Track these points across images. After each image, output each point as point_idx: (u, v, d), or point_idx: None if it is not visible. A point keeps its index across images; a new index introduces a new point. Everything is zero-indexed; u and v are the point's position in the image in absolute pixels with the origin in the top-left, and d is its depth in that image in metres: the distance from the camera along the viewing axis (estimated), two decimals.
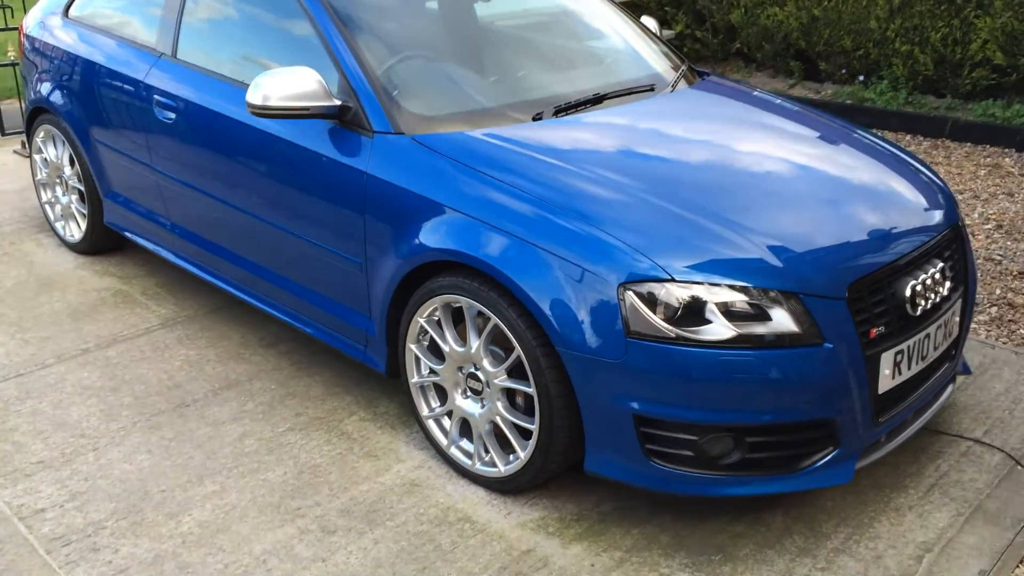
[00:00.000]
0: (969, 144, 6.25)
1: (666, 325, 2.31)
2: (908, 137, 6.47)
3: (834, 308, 2.37)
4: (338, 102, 2.87)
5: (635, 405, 2.36)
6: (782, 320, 2.33)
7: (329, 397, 3.26)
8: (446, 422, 2.86)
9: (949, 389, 2.94)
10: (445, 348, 2.73)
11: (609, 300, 2.34)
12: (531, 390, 2.52)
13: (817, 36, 7.18)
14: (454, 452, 2.82)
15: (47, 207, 4.55)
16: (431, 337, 2.80)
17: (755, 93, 3.57)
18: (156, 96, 3.55)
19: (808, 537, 2.58)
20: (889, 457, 2.86)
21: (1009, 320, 3.87)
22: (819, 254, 2.46)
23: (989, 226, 4.86)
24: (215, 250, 3.55)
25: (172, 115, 3.48)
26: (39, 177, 4.53)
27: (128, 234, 4.08)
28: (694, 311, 2.33)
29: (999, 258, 4.46)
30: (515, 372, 2.60)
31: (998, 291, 4.12)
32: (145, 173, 3.74)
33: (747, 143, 2.98)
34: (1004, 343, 3.68)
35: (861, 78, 7.02)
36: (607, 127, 2.96)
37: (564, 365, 2.43)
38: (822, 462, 2.45)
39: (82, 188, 4.23)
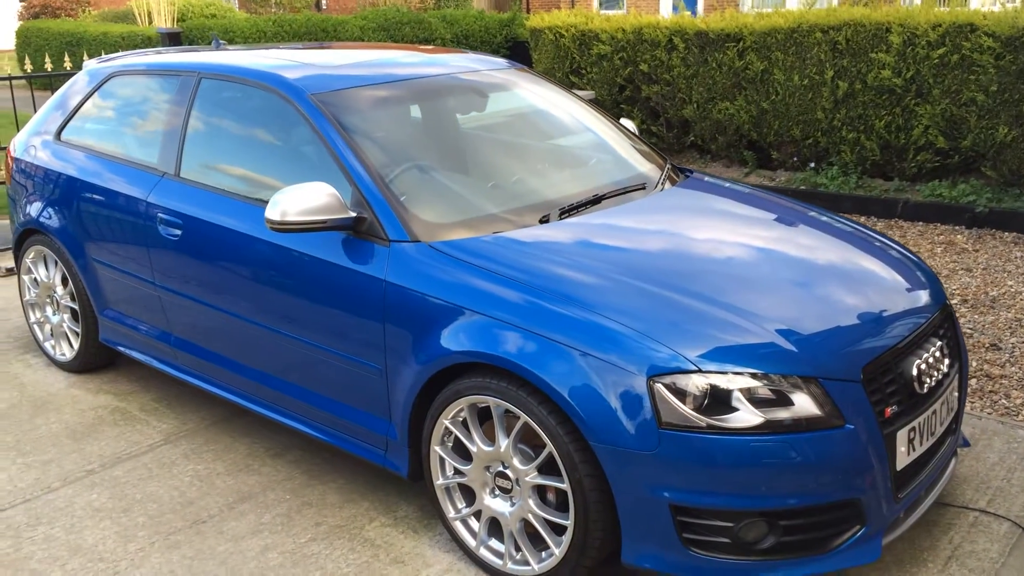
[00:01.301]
0: (921, 223, 6.57)
1: (696, 415, 2.40)
2: (863, 219, 6.77)
3: (851, 390, 2.49)
4: (353, 214, 2.97)
5: (671, 495, 2.42)
6: (804, 404, 2.44)
7: (346, 504, 3.25)
8: (474, 522, 2.88)
9: (953, 463, 3.06)
10: (472, 448, 2.78)
11: (639, 393, 2.43)
12: (564, 485, 2.57)
13: (767, 127, 7.55)
14: (484, 553, 2.83)
15: (35, 327, 4.52)
16: (455, 438, 2.84)
17: (739, 188, 3.76)
18: (160, 214, 3.61)
19: None
20: (904, 533, 2.95)
21: (990, 391, 4.04)
22: (830, 339, 2.59)
23: (955, 301, 5.09)
24: (221, 362, 3.57)
25: (178, 232, 3.54)
26: (27, 298, 4.51)
27: (124, 350, 4.07)
28: (720, 400, 2.42)
29: (969, 332, 4.67)
30: (545, 468, 2.65)
31: (974, 363, 4.30)
32: (146, 289, 3.77)
33: (742, 236, 3.13)
34: (989, 414, 3.83)
35: (812, 165, 7.37)
36: (612, 227, 3.09)
37: (598, 459, 2.49)
38: (851, 541, 2.52)
39: (75, 307, 4.22)
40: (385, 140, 3.30)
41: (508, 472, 2.73)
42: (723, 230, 3.18)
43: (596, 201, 3.26)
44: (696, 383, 2.42)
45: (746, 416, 2.40)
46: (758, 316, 2.60)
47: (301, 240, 3.11)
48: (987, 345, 4.50)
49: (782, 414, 2.42)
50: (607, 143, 3.84)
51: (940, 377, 2.80)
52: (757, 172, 7.78)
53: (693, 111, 7.93)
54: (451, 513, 2.90)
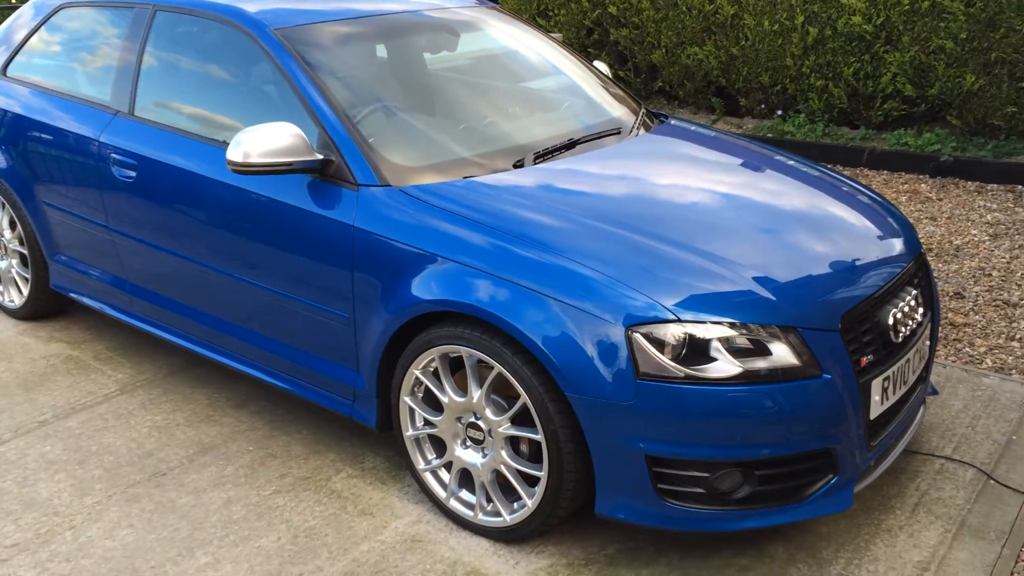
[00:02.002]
0: (886, 172, 6.57)
1: (675, 365, 2.35)
2: (828, 167, 6.75)
3: (829, 340, 2.46)
4: (320, 156, 2.85)
5: (646, 446, 2.38)
6: (782, 354, 2.40)
7: (312, 455, 3.18)
8: (444, 474, 2.82)
9: (922, 411, 3.07)
10: (443, 399, 2.71)
11: (617, 343, 2.37)
12: (538, 437, 2.52)
13: (736, 74, 7.46)
14: (454, 504, 2.79)
15: None
16: (426, 388, 2.77)
17: (716, 134, 3.68)
18: (113, 155, 3.44)
19: (811, 565, 2.63)
20: (873, 480, 2.95)
21: (954, 339, 4.06)
22: (809, 287, 2.55)
23: None
24: (179, 309, 3.44)
25: (132, 173, 3.38)
26: None
27: (77, 297, 3.92)
28: (698, 350, 2.37)
29: (934, 281, 4.68)
30: (519, 419, 2.59)
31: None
32: (99, 233, 3.61)
33: (718, 183, 3.07)
34: (953, 362, 3.85)
35: (779, 112, 7.32)
36: (586, 173, 3.00)
37: (573, 410, 2.44)
38: (824, 490, 2.51)
39: (24, 251, 4.05)
40: (352, 79, 3.16)
41: (480, 423, 2.67)
42: (699, 177, 3.11)
43: (571, 146, 3.17)
44: (674, 333, 2.36)
45: (724, 366, 2.36)
46: (736, 264, 2.54)
47: (264, 183, 2.99)
48: (951, 294, 4.52)
49: (760, 364, 2.38)
50: (581, 86, 3.73)
51: (915, 326, 2.78)
52: (724, 119, 7.71)
53: (662, 56, 7.81)
54: (421, 464, 2.84)
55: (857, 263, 2.71)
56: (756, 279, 2.50)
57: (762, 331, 2.40)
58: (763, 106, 7.47)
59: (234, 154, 2.77)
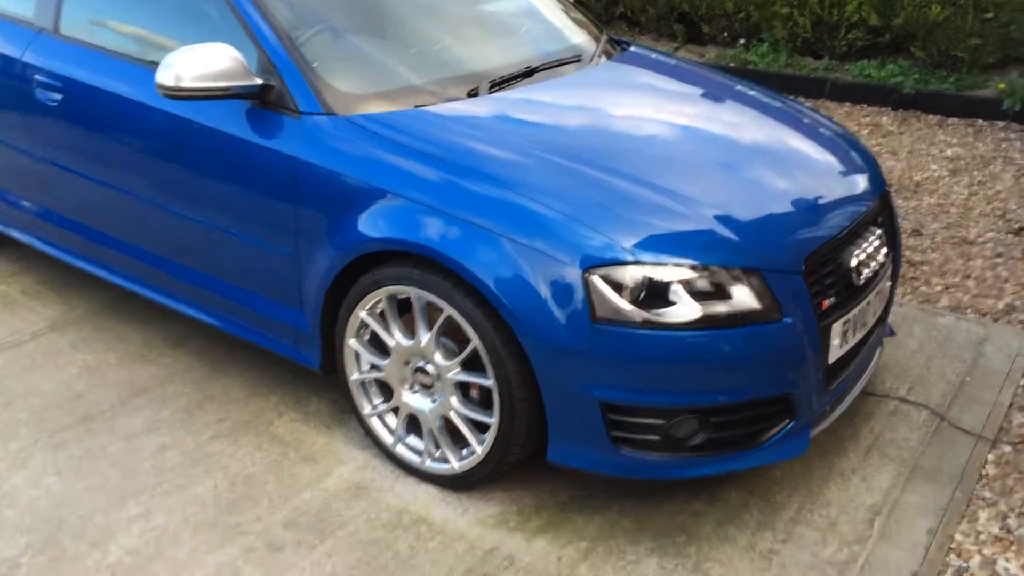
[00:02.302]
0: (848, 104, 6.46)
1: (633, 309, 2.24)
2: (791, 98, 6.62)
3: (792, 282, 2.36)
4: (259, 81, 2.64)
5: (601, 393, 2.28)
6: (743, 297, 2.30)
7: (253, 398, 3.04)
8: (391, 419, 2.71)
9: (878, 352, 3.01)
10: (390, 342, 2.58)
11: (573, 285, 2.25)
12: (489, 382, 2.40)
13: (699, 0, 7.25)
14: (401, 450, 2.68)
15: None
16: (372, 331, 2.64)
17: (681, 64, 3.51)
18: (37, 76, 3.18)
19: (764, 510, 2.58)
20: (829, 424, 2.91)
21: (911, 277, 4.01)
22: (772, 227, 2.44)
23: None
24: (110, 243, 3.24)
25: (58, 96, 3.13)
26: None
27: (3, 228, 3.68)
28: (657, 292, 2.26)
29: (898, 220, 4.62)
30: (469, 364, 2.47)
31: None
32: (24, 161, 3.37)
33: (682, 116, 2.93)
34: (909, 300, 3.81)
35: (743, 41, 7.14)
36: (544, 104, 2.84)
37: (526, 355, 2.32)
38: (780, 435, 2.45)
39: None
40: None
41: (429, 368, 2.55)
42: (659, 108, 2.96)
43: (528, 74, 2.99)
44: (633, 275, 2.25)
45: (683, 310, 2.25)
46: (696, 202, 2.42)
47: (199, 109, 2.77)
48: (909, 231, 4.46)
49: (720, 308, 2.28)
50: (540, 10, 3.52)
51: (877, 268, 2.70)
52: (687, 47, 7.51)
53: None
54: (367, 409, 2.72)
55: (821, 202, 2.61)
56: (718, 218, 2.39)
57: (724, 273, 2.29)
58: (726, 34, 7.29)
59: (165, 77, 2.56)
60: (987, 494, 2.65)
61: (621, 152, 2.60)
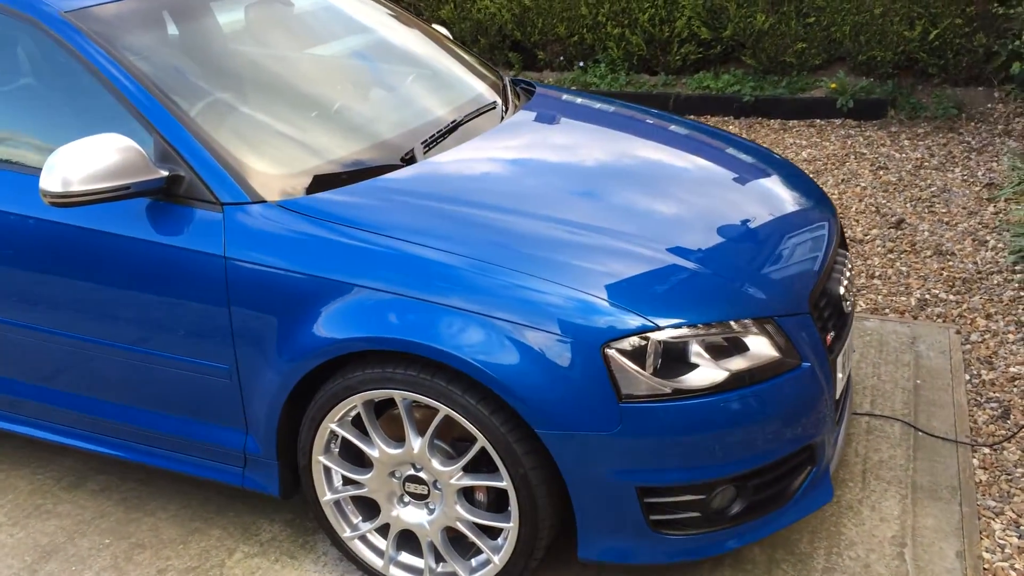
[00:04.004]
0: (693, 116, 6.59)
1: (659, 380, 2.03)
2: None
3: (803, 324, 2.23)
4: (164, 172, 2.23)
5: (637, 477, 2.06)
6: (761, 348, 2.14)
7: (191, 538, 2.59)
8: (377, 539, 2.36)
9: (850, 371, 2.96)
10: (373, 453, 2.24)
11: (591, 364, 2.01)
12: (503, 484, 2.12)
13: (531, 26, 7.20)
14: (395, 572, 2.34)
15: None
16: (343, 441, 2.29)
17: (593, 101, 3.33)
18: None
19: (794, 564, 2.44)
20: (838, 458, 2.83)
21: None
22: (775, 271, 2.31)
23: None
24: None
25: None
26: None
27: None
28: (676, 357, 2.07)
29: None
30: (472, 466, 2.18)
31: None
32: None
33: (640, 161, 2.73)
34: None
35: (581, 64, 7.15)
36: (490, 161, 2.59)
37: (546, 448, 2.06)
38: (806, 484, 2.31)
39: None
40: (184, 67, 2.53)
41: (422, 475, 2.23)
42: (619, 155, 2.76)
43: (452, 129, 2.73)
44: (651, 342, 2.04)
45: (708, 373, 2.07)
46: (693, 254, 2.25)
47: (92, 215, 2.32)
48: None
49: (740, 363, 2.11)
50: (442, 63, 3.25)
51: (853, 290, 2.63)
52: (523, 74, 7.44)
53: (451, 11, 7.39)
54: (346, 532, 2.36)
55: (802, 235, 2.51)
56: (720, 269, 2.22)
57: (740, 326, 2.13)
58: (562, 58, 7.27)
59: (50, 182, 2.11)
60: (991, 503, 2.64)
61: (595, 209, 2.39)
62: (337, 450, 2.30)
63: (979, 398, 3.14)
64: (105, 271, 2.33)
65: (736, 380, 2.08)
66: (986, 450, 2.86)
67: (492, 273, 2.08)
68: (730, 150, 2.97)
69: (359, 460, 2.32)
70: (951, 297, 3.83)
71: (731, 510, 2.18)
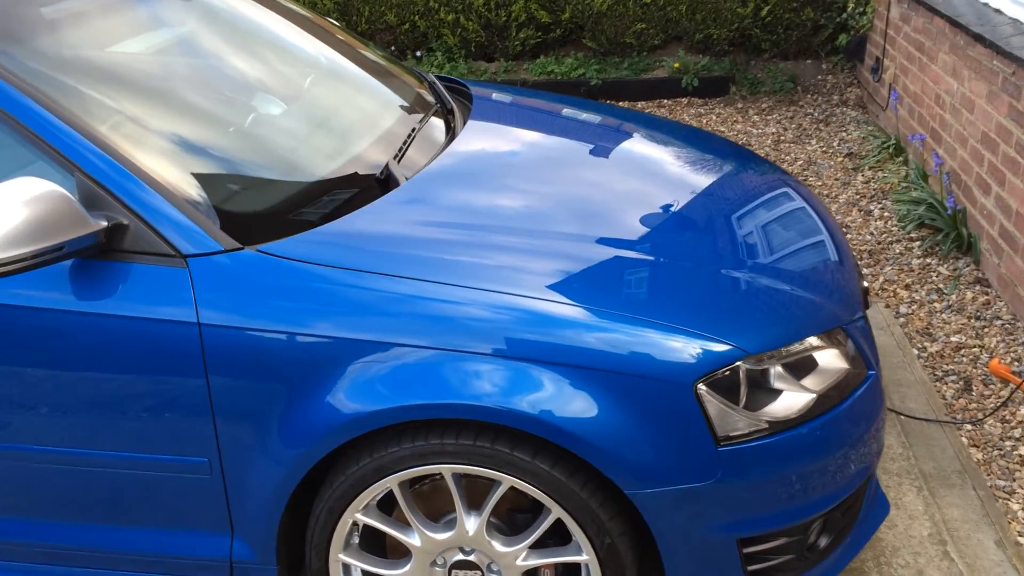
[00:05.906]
0: None
1: (754, 415, 1.78)
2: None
3: (863, 328, 2.06)
4: (103, 223, 1.70)
5: (738, 528, 1.80)
6: (831, 361, 1.95)
7: None
8: None
9: None
10: (411, 541, 1.83)
11: (683, 406, 1.73)
12: (584, 558, 1.79)
13: (357, 15, 6.71)
14: None
15: None
16: (365, 530, 1.87)
17: (539, 102, 3.01)
18: None
19: None
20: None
21: None
22: (827, 275, 2.11)
23: None
24: None
25: None
26: None
27: None
28: (758, 385, 1.83)
29: None
30: (539, 541, 1.83)
31: None
32: None
33: (658, 181, 2.43)
34: None
35: (419, 54, 6.76)
36: (485, 174, 2.22)
37: (636, 510, 1.76)
38: (866, 499, 2.15)
39: None
40: (111, 88, 1.97)
41: (472, 558, 1.86)
42: (641, 171, 2.45)
43: (410, 139, 2.33)
44: (741, 373, 1.78)
45: (795, 397, 1.84)
46: (762, 268, 2.01)
47: (9, 288, 1.74)
48: None
49: (818, 381, 1.90)
50: (359, 62, 2.81)
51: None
52: None
53: None
54: None
55: (821, 232, 2.34)
56: (791, 282, 2.00)
57: (821, 340, 1.91)
58: (393, 48, 6.84)
59: None
60: (999, 482, 2.61)
61: (648, 233, 2.06)
62: (357, 542, 1.88)
63: (936, 372, 3.14)
64: (25, 356, 1.76)
65: (824, 401, 1.87)
66: (968, 427, 2.84)
67: (550, 309, 1.74)
68: (720, 150, 2.74)
69: (381, 548, 1.90)
70: (864, 271, 3.85)
71: (819, 544, 1.98)
